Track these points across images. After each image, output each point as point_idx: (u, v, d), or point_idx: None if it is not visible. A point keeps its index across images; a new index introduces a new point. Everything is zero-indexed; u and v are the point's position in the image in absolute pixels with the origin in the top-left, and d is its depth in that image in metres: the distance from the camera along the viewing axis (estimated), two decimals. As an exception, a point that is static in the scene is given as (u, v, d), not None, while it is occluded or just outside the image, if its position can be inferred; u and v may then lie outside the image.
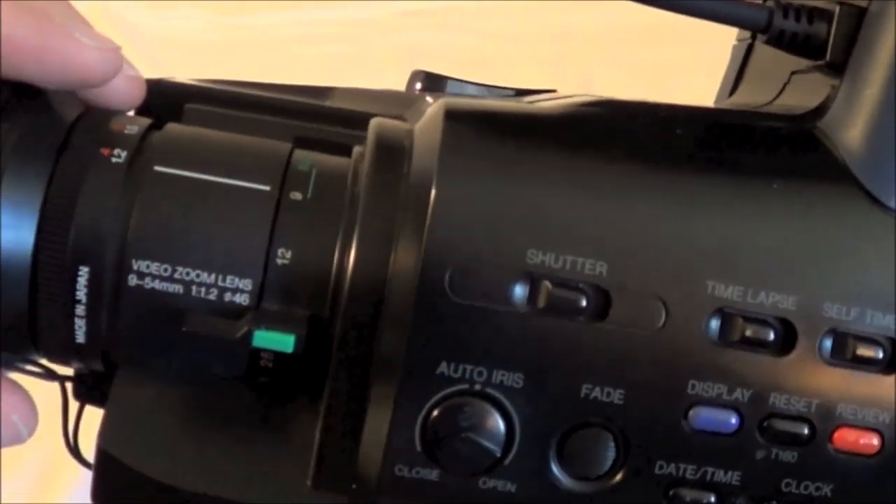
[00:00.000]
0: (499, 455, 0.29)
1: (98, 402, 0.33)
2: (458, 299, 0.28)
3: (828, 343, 0.29)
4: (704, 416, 0.29)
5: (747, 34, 0.36)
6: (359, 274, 0.28)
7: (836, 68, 0.31)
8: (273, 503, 0.31)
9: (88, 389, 0.33)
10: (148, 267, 0.29)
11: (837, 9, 0.31)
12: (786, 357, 0.29)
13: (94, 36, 0.30)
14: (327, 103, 0.35)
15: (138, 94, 0.33)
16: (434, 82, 0.35)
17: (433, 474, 0.29)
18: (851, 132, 0.30)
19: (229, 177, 0.30)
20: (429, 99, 0.34)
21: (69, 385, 0.34)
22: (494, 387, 0.28)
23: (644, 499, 0.29)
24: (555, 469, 0.29)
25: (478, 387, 0.28)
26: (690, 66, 1.16)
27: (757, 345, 0.29)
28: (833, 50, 0.31)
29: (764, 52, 0.35)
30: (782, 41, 0.32)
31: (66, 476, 0.77)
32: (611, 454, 0.29)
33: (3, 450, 0.72)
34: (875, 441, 0.29)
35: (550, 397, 0.28)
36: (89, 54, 0.30)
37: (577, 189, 0.29)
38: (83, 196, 0.29)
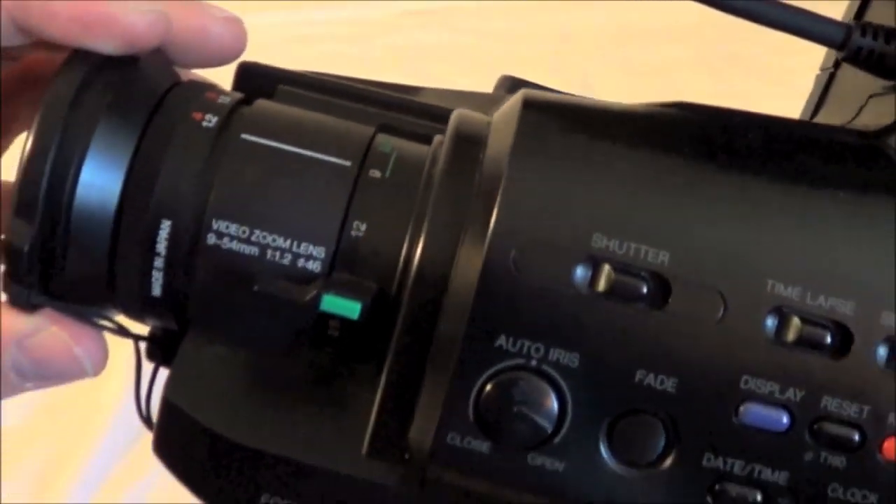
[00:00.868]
0: (549, 432, 0.29)
1: (170, 363, 0.34)
2: (521, 277, 0.28)
3: (884, 350, 0.29)
4: (755, 413, 0.29)
5: (830, 64, 0.37)
6: (428, 251, 0.29)
7: None
8: (328, 467, 0.31)
9: (162, 350, 0.34)
10: (227, 227, 0.30)
11: None
12: (840, 361, 0.29)
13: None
14: (423, 100, 0.36)
15: (239, 39, 0.34)
16: (520, 87, 0.36)
17: (484, 446, 0.29)
18: None
19: (312, 150, 0.31)
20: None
21: (143, 345, 0.34)
22: (551, 364, 0.28)
23: (689, 490, 0.29)
24: (603, 452, 0.29)
25: (534, 363, 0.29)
26: (690, 67, 1.16)
27: (812, 346, 0.29)
28: None
29: (844, 80, 0.36)
30: (859, 59, 0.32)
31: (66, 476, 0.77)
32: (660, 442, 0.29)
33: (4, 450, 0.72)
34: None
35: (604, 380, 0.29)
36: (133, 17, 0.30)
37: (644, 180, 0.29)
38: (170, 153, 0.30)
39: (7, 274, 0.30)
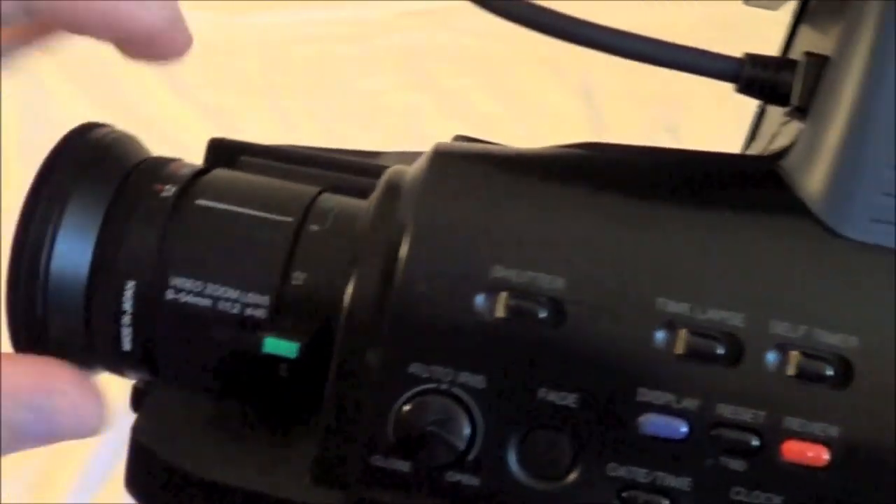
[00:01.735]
0: (462, 450, 0.31)
1: None
2: (429, 307, 0.31)
3: (775, 358, 0.30)
4: (654, 422, 0.30)
5: None
6: (356, 291, 0.32)
7: (802, 112, 0.33)
8: (278, 495, 0.33)
9: (143, 399, 0.37)
10: (183, 283, 0.33)
11: (804, 58, 0.33)
12: (733, 370, 0.30)
13: None
14: (377, 162, 0.39)
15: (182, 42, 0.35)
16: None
17: (405, 466, 0.31)
18: (810, 169, 0.32)
19: (259, 210, 0.34)
20: None
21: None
22: (459, 387, 0.31)
23: (598, 498, 0.31)
24: (514, 466, 0.31)
25: (444, 386, 0.31)
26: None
27: (704, 357, 0.30)
28: (799, 96, 0.33)
29: (773, 110, 0.37)
30: (753, 90, 0.34)
31: (66, 476, 0.77)
32: (566, 455, 0.31)
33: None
34: (825, 454, 0.30)
35: (510, 398, 0.31)
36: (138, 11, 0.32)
37: (541, 213, 0.32)
38: (134, 221, 0.34)
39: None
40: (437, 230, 0.31)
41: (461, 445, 0.31)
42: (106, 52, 0.35)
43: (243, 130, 0.79)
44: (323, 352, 0.32)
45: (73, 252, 0.33)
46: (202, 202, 0.34)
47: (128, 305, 0.33)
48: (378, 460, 0.31)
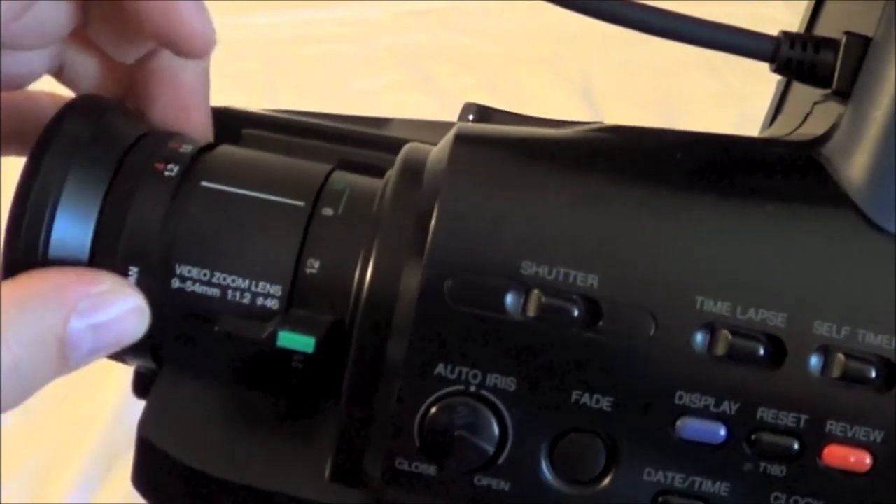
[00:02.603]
0: (491, 454, 0.30)
1: None
2: (456, 307, 0.29)
3: (817, 360, 0.29)
4: (692, 427, 0.29)
5: None
6: (375, 284, 0.30)
7: (843, 96, 0.31)
8: (293, 494, 0.32)
9: (146, 386, 0.35)
10: (189, 271, 0.32)
11: (844, 38, 0.31)
12: (775, 372, 0.29)
13: None
14: (383, 132, 0.37)
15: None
16: (485, 114, 0.37)
17: (431, 469, 0.30)
18: (853, 158, 0.30)
19: (268, 192, 0.32)
20: None
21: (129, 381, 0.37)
22: (488, 389, 0.30)
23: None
24: (546, 471, 0.30)
25: (473, 388, 0.30)
26: (690, 66, 1.16)
27: (745, 359, 0.29)
28: (839, 78, 0.31)
29: (797, 88, 0.36)
30: (790, 70, 0.32)
31: (66, 476, 0.77)
32: (600, 459, 0.30)
33: (4, 450, 0.72)
34: (867, 460, 0.29)
35: (541, 401, 0.30)
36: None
37: (572, 206, 0.30)
38: (135, 205, 0.32)
39: None
40: (462, 223, 0.30)
41: (490, 449, 0.30)
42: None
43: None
44: (341, 344, 0.31)
45: (71, 238, 0.31)
46: (207, 184, 0.32)
47: None
48: (402, 464, 0.30)
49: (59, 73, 0.36)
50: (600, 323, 0.29)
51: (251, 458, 0.33)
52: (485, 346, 0.29)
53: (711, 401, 0.29)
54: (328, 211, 0.32)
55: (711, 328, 0.29)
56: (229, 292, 0.32)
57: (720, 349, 0.29)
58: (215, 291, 0.32)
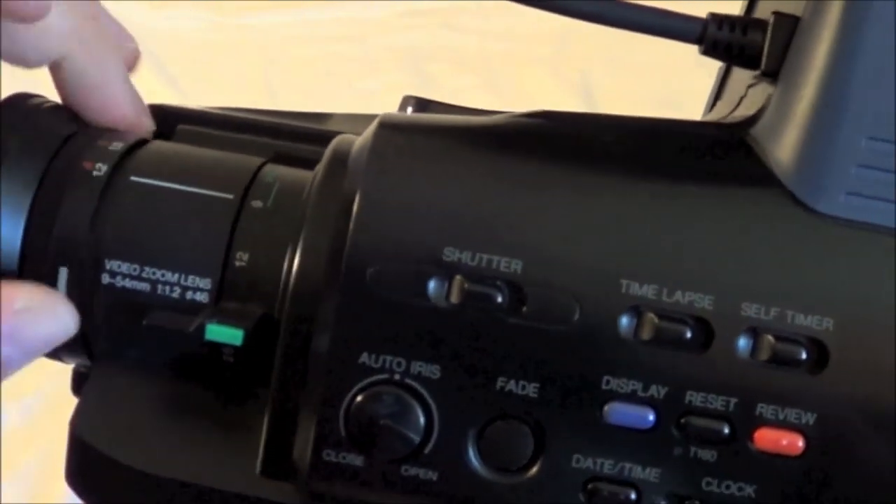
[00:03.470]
0: (418, 443, 0.30)
1: None
2: (379, 294, 0.29)
3: (746, 342, 0.29)
4: (620, 412, 0.29)
5: None
6: (301, 274, 0.30)
7: (773, 77, 0.31)
8: (225, 489, 0.32)
9: (84, 384, 0.35)
10: (119, 266, 0.32)
11: (772, 18, 0.31)
12: (702, 355, 0.29)
13: None
14: (324, 127, 0.37)
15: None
16: (423, 106, 0.37)
17: (358, 460, 0.30)
18: (781, 138, 0.30)
19: (197, 186, 0.32)
20: None
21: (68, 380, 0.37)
22: (413, 377, 0.29)
23: (562, 491, 0.30)
24: (473, 459, 0.30)
25: (397, 377, 0.29)
26: (690, 66, 1.16)
27: (672, 342, 0.29)
28: (768, 58, 0.31)
29: (738, 71, 0.35)
30: (718, 52, 0.32)
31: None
32: (528, 446, 0.30)
33: (4, 450, 0.72)
34: (799, 442, 0.29)
35: (467, 389, 0.29)
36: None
37: (495, 191, 0.30)
38: (63, 205, 0.32)
39: None
40: (384, 209, 0.29)
41: (416, 438, 0.29)
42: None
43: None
44: (269, 336, 0.31)
45: (1, 240, 0.32)
46: (136, 179, 0.32)
47: (62, 291, 0.32)
48: (330, 455, 0.30)
49: None
50: (524, 308, 0.29)
51: (184, 454, 0.33)
52: (408, 334, 0.29)
53: (639, 385, 0.29)
54: (257, 204, 0.32)
55: (637, 311, 0.29)
56: (159, 286, 0.32)
57: (646, 333, 0.29)
58: (145, 286, 0.32)
